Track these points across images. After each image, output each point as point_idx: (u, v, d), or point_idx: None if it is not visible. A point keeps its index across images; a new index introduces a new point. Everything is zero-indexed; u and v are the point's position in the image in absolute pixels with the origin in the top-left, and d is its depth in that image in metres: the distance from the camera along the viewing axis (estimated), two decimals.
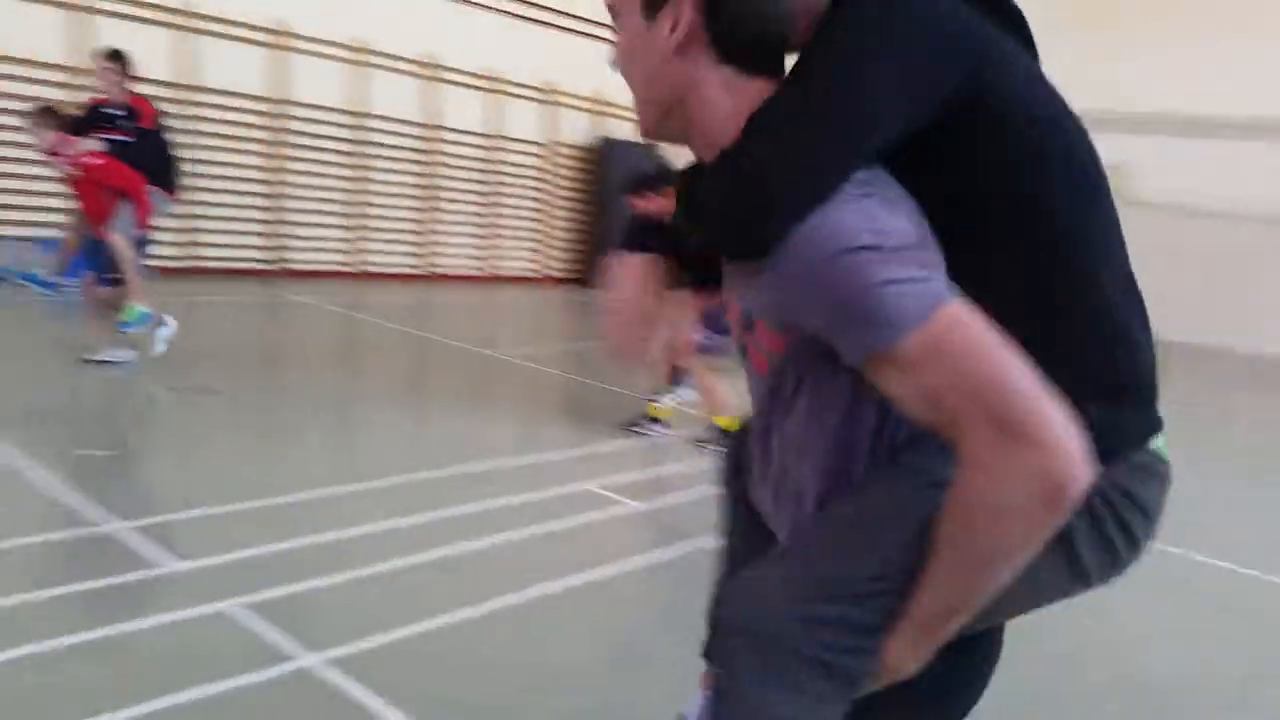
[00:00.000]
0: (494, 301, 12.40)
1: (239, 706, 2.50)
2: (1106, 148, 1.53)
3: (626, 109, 14.93)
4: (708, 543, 3.50)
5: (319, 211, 11.83)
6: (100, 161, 5.91)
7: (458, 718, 2.58)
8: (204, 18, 10.41)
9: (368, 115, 12.00)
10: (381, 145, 12.28)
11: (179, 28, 10.30)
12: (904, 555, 1.03)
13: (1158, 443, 1.17)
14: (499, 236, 13.97)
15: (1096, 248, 1.07)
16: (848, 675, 1.08)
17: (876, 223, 0.96)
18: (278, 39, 10.99)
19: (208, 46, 10.51)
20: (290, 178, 11.46)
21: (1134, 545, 1.15)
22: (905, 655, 1.09)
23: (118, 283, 6.12)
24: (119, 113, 6.04)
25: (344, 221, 12.13)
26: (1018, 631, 1.42)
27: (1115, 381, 1.11)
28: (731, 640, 1.09)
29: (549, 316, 12.31)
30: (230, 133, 10.85)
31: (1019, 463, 0.92)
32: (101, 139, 5.94)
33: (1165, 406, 1.26)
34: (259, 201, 11.28)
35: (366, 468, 4.70)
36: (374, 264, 12.52)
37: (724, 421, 5.11)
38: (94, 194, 6.03)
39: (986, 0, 1.08)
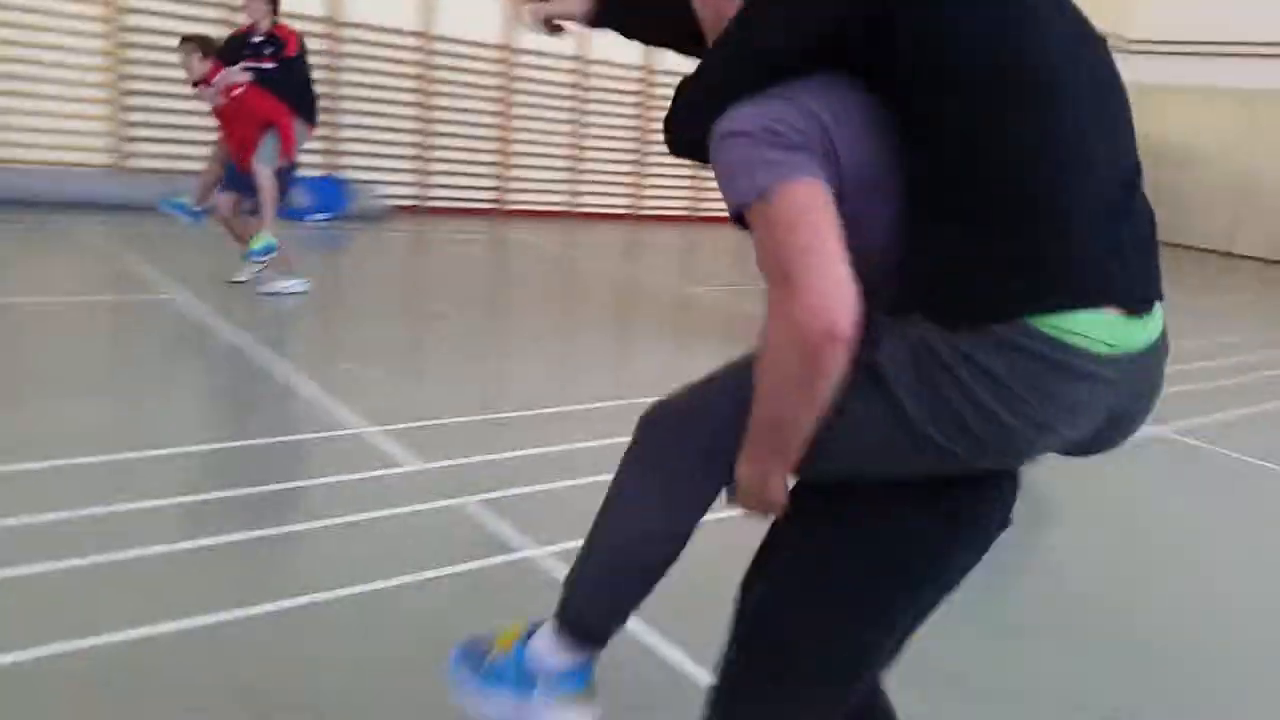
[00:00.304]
0: (700, 240, 12.58)
1: (470, 586, 2.83)
2: None
3: None
4: None
5: (540, 155, 12.38)
6: (247, 90, 5.99)
7: (667, 602, 2.79)
8: None
9: (589, 61, 12.36)
10: (602, 90, 12.64)
11: None
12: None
13: (1056, 322, 1.13)
14: (704, 178, 14.07)
15: (1028, 145, 1.15)
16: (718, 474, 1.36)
17: (763, 117, 1.17)
18: None
19: None
20: (515, 123, 12.04)
21: (988, 418, 1.16)
22: (743, 469, 1.31)
23: (254, 213, 6.25)
24: (265, 41, 6.11)
25: (562, 164, 12.62)
26: None
27: (1014, 255, 1.15)
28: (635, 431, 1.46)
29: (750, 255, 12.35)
30: (467, 80, 11.51)
31: (786, 309, 1.13)
32: (248, 68, 6.02)
33: None
34: (488, 145, 11.94)
35: (579, 390, 5.02)
36: (589, 205, 12.98)
37: None
38: (240, 123, 6.04)
39: None
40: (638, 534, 1.45)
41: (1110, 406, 1.23)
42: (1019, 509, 1.42)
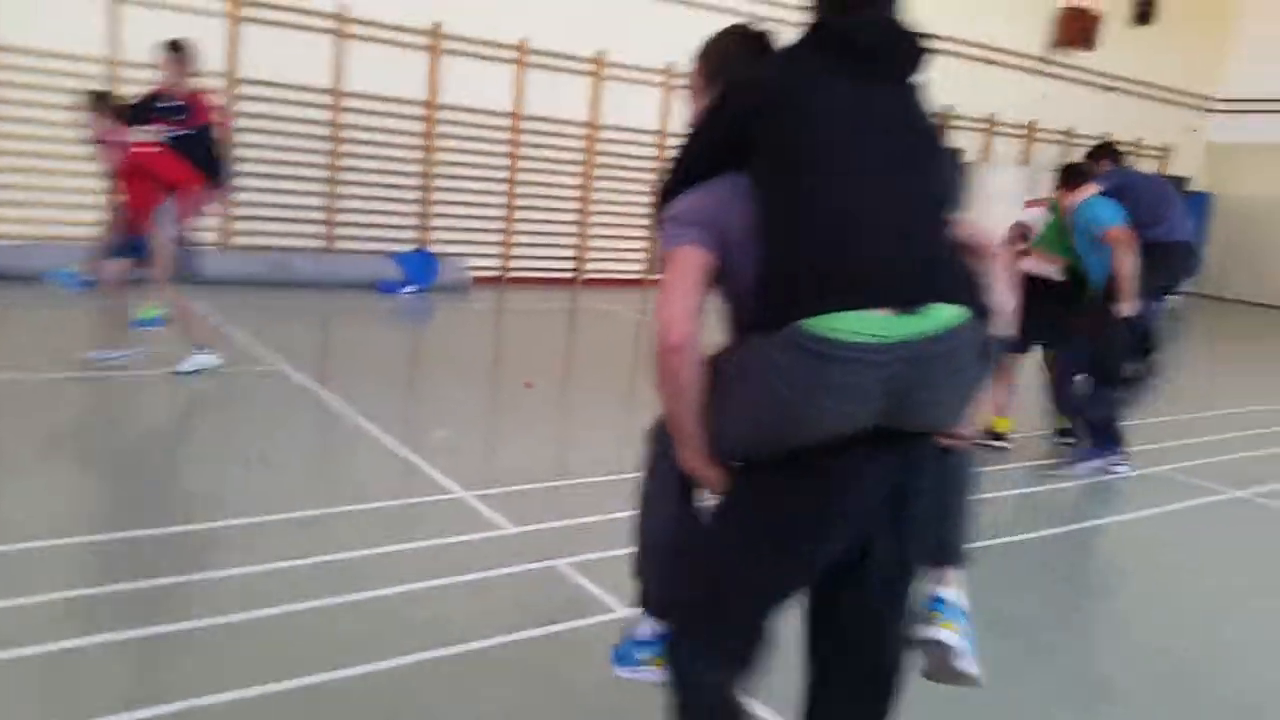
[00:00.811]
0: None
1: (568, 646, 2.94)
2: None
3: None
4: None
5: (619, 224, 12.71)
6: (152, 151, 5.72)
7: None
8: (538, 52, 11.58)
9: (666, 134, 12.73)
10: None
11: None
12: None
13: (820, 322, 1.58)
14: None
15: (819, 208, 1.67)
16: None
17: (683, 204, 1.81)
18: (599, 68, 11.99)
19: (538, 78, 11.67)
20: (595, 194, 12.41)
21: (782, 397, 1.63)
22: (679, 457, 1.87)
23: (143, 281, 5.96)
24: (175, 105, 5.84)
25: (642, 232, 12.93)
26: None
27: (801, 279, 1.63)
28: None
29: None
30: (549, 155, 11.96)
31: (653, 328, 1.74)
32: (155, 130, 5.76)
33: None
34: (569, 216, 12.32)
35: None
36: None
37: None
38: (140, 186, 5.78)
39: (832, 46, 1.75)
40: (659, 521, 2.04)
41: (884, 383, 1.61)
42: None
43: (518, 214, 11.87)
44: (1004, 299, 1.92)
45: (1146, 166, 17.67)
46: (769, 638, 1.83)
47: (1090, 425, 5.41)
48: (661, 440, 1.97)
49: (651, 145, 12.69)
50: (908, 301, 1.62)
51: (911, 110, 1.81)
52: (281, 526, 3.74)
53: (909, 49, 1.82)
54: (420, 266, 10.71)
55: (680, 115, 12.28)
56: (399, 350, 8.16)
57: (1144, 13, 16.67)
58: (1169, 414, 6.82)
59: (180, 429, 5.45)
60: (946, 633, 1.96)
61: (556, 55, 11.69)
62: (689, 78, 2.05)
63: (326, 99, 10.50)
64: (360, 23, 10.53)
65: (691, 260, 1.75)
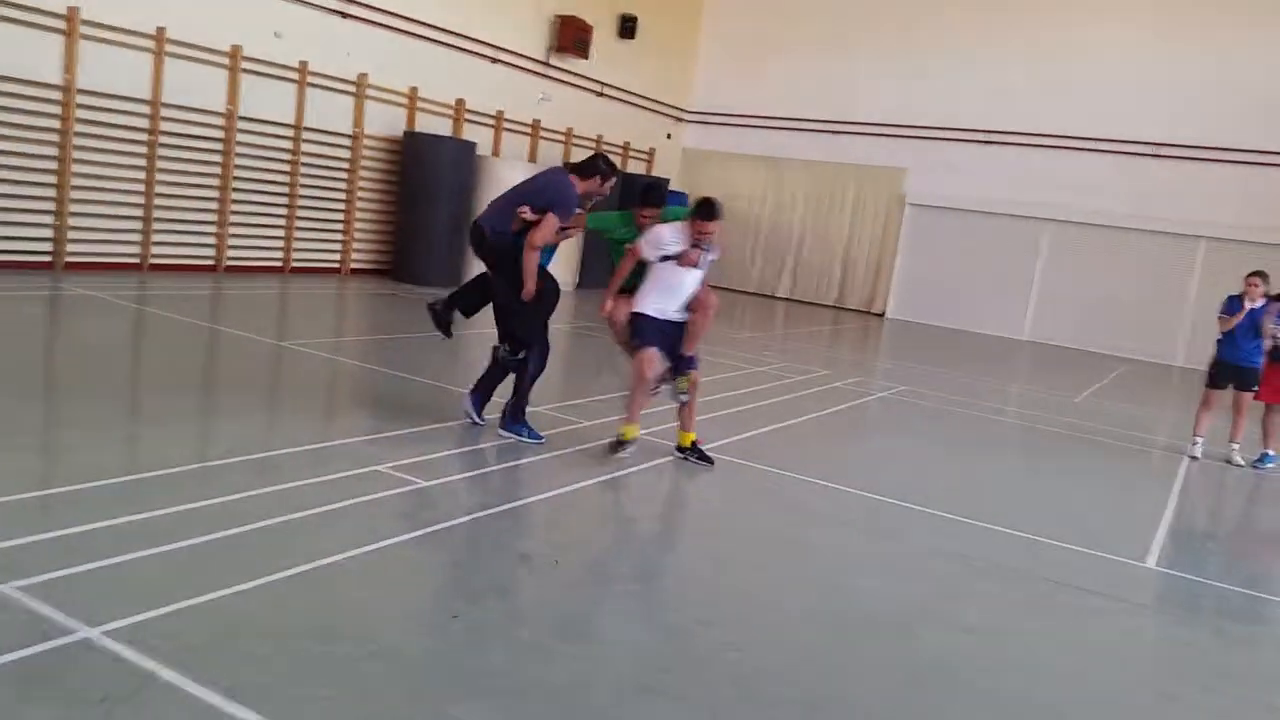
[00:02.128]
0: (294, 293, 12.32)
1: (23, 675, 2.74)
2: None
3: (435, 104, 15.04)
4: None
5: (110, 203, 11.40)
6: None
7: (226, 672, 2.90)
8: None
9: (171, 106, 11.64)
10: (184, 136, 11.95)
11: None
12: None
13: None
14: (301, 228, 13.83)
15: None
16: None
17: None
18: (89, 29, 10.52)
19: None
20: (81, 168, 10.98)
21: None
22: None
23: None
24: None
25: (137, 213, 11.72)
26: None
27: None
28: None
29: (351, 308, 12.37)
30: (21, 121, 10.30)
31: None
32: None
33: None
34: (48, 193, 10.76)
35: (164, 456, 4.85)
36: (164, 255, 12.16)
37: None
38: None
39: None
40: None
41: None
42: None
43: None
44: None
45: (635, 168, 20.05)
46: None
47: None
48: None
49: (143, 116, 11.53)
50: None
51: None
52: None
53: None
54: None
55: (185, 85, 11.27)
56: None
57: (627, 28, 18.81)
58: None
59: None
60: None
61: (16, 6, 10.11)
62: None
63: None
64: None
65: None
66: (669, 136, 21.40)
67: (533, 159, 16.95)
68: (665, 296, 5.87)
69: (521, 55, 16.76)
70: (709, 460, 6.13)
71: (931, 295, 19.23)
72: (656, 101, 20.60)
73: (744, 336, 13.91)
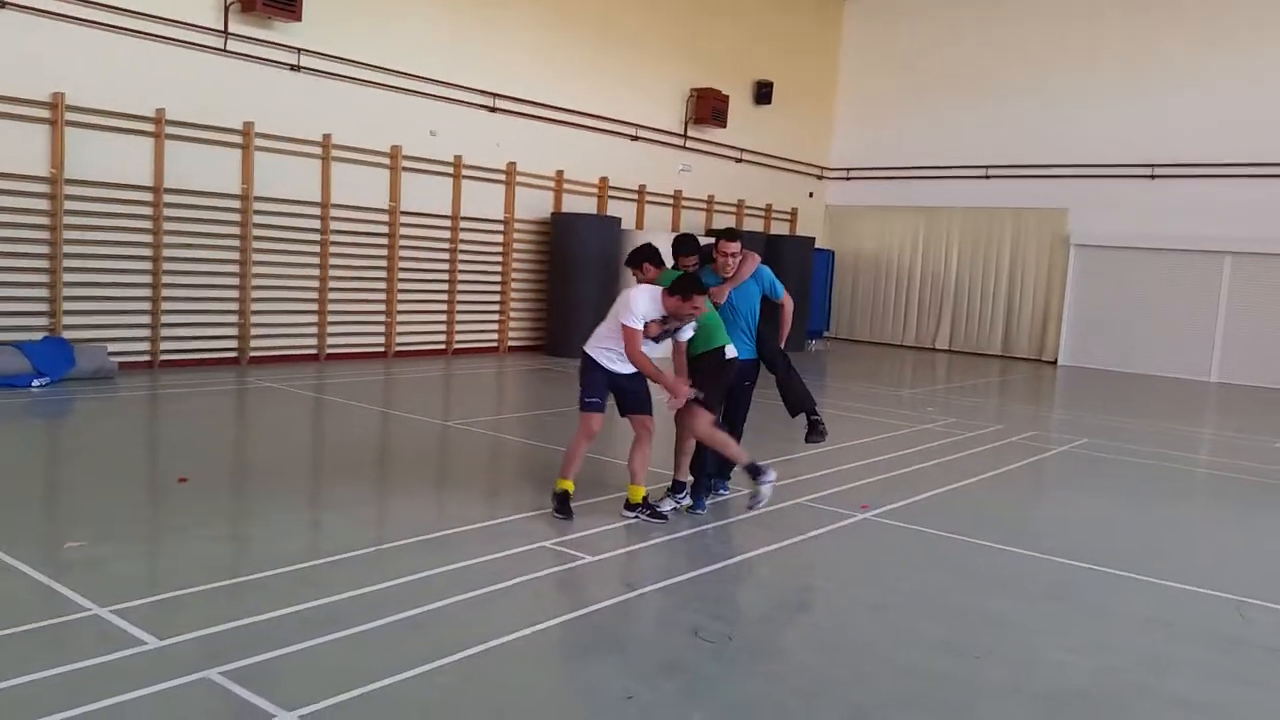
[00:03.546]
0: (457, 373, 12.78)
1: None
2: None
3: (580, 184, 15.53)
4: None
5: (288, 299, 12.24)
6: None
7: None
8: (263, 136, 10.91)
9: (339, 205, 12.50)
10: (352, 233, 12.78)
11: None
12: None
13: None
14: (461, 310, 14.42)
15: None
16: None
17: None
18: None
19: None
20: (260, 269, 11.87)
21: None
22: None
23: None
24: None
25: (312, 307, 12.53)
26: None
27: None
28: None
29: (510, 384, 12.71)
30: (204, 229, 11.28)
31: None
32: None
33: None
34: (227, 294, 11.66)
35: (345, 540, 5.04)
36: (338, 345, 12.90)
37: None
38: None
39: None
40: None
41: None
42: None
43: (166, 292, 11.06)
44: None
45: (779, 228, 20.01)
46: None
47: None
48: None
49: (315, 218, 12.40)
50: None
51: None
52: None
53: None
54: (52, 356, 9.65)
55: (347, 186, 12.10)
56: (26, 453, 7.29)
57: (763, 94, 18.98)
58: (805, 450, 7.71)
59: None
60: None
61: (197, 126, 11.14)
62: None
63: None
64: None
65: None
66: (810, 195, 21.28)
67: (675, 228, 17.17)
68: (617, 353, 5.67)
69: (660, 130, 17.14)
70: (662, 517, 5.81)
71: (1106, 339, 18.09)
72: (795, 161, 20.58)
73: (906, 393, 13.45)
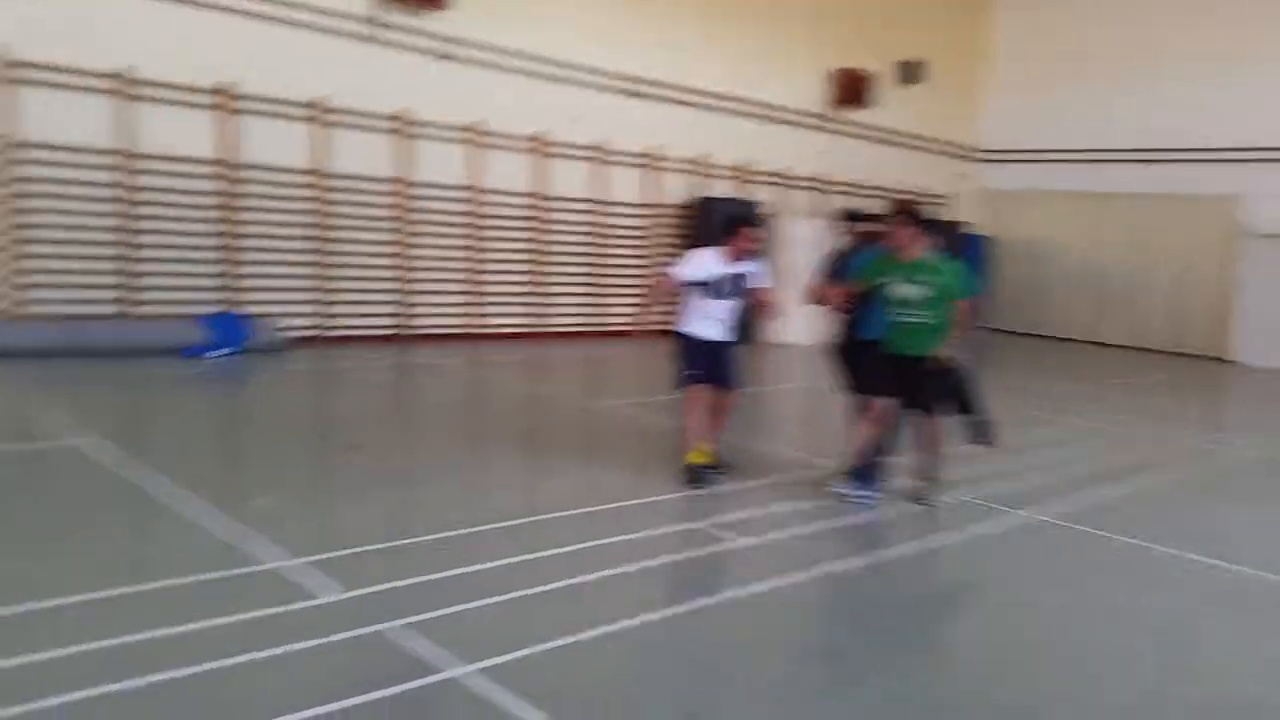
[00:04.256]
0: (601, 355, 12.96)
1: (396, 710, 2.97)
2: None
3: (721, 168, 15.41)
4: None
5: (440, 279, 12.71)
6: None
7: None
8: (336, 110, 11.46)
9: (488, 190, 12.89)
10: (499, 217, 13.16)
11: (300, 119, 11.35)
12: None
13: None
14: (605, 293, 14.62)
15: None
16: None
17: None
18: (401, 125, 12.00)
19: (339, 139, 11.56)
20: (415, 251, 12.36)
21: None
22: None
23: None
24: None
25: (464, 287, 12.96)
26: None
27: None
28: None
29: (654, 368, 12.76)
30: (363, 212, 11.84)
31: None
32: None
33: None
34: (387, 272, 12.20)
35: (491, 511, 5.19)
36: (488, 326, 13.29)
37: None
38: None
39: None
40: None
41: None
42: None
43: (333, 271, 11.65)
44: None
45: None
46: None
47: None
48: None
49: (464, 201, 12.80)
50: None
51: None
52: (82, 608, 3.57)
53: None
54: (228, 328, 10.31)
55: (494, 171, 12.45)
56: (212, 417, 7.83)
57: (910, 74, 18.35)
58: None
59: None
60: None
61: (355, 113, 11.67)
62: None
63: (113, 160, 10.03)
64: (148, 84, 10.18)
65: None
66: (963, 176, 20.44)
67: (814, 213, 16.87)
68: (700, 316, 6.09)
69: (802, 112, 16.85)
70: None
71: None
72: (944, 143, 19.83)
73: (1076, 388, 12.79)
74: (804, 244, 13.97)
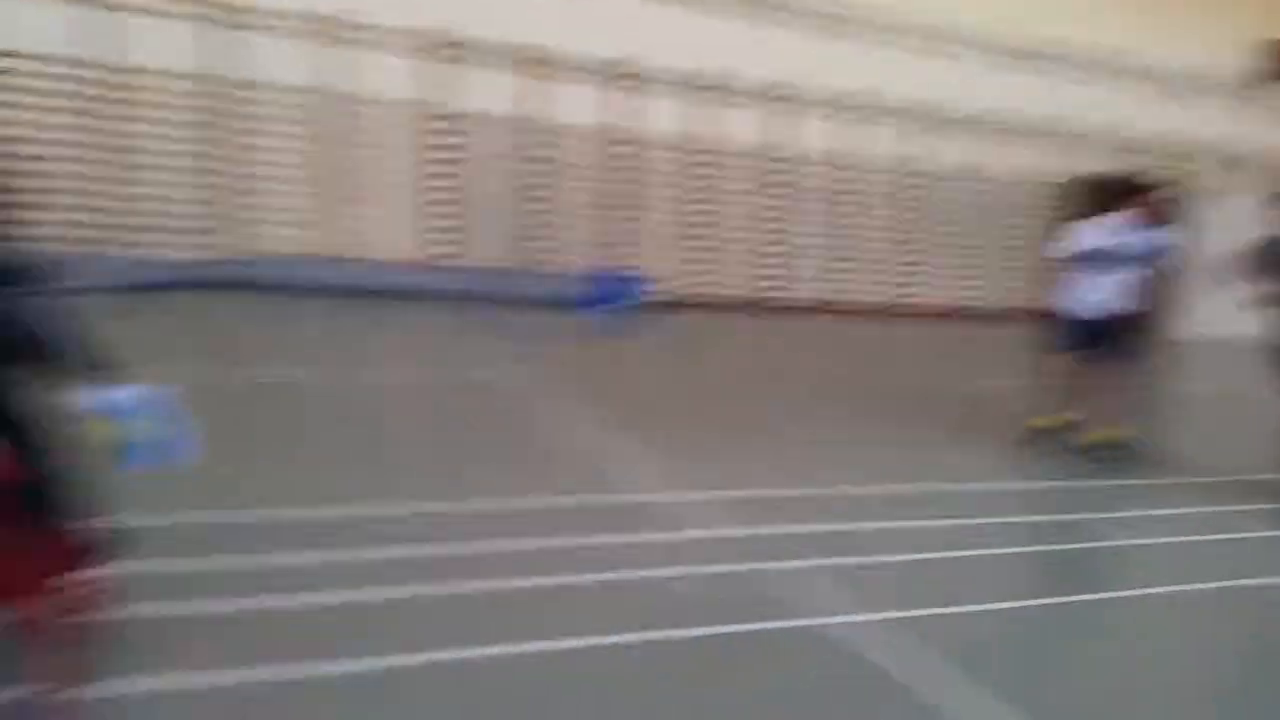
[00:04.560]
0: (973, 336, 12.27)
1: (755, 645, 2.97)
2: None
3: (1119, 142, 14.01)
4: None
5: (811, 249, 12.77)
6: None
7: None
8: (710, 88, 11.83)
9: (844, 166, 12.76)
10: (863, 192, 12.96)
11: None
12: None
13: None
14: (976, 272, 13.89)
15: None
16: None
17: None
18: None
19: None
20: (776, 223, 12.55)
21: None
22: None
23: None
24: None
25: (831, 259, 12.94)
26: None
27: None
28: None
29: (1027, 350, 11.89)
30: (732, 185, 12.20)
31: None
32: None
33: None
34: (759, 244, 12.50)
35: (919, 475, 5.11)
36: (851, 300, 13.14)
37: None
38: None
39: None
40: None
41: None
42: None
43: (702, 238, 12.13)
44: None
45: None
46: None
47: None
48: None
49: (835, 173, 12.69)
50: None
51: None
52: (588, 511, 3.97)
53: None
54: (617, 286, 11.19)
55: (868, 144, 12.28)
56: (645, 367, 8.54)
57: None
58: None
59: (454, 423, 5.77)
60: None
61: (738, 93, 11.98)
62: None
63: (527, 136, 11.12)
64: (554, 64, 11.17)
65: None
66: None
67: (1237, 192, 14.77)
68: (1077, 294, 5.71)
69: (1219, 84, 14.80)
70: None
71: None
72: None
73: None
74: (1223, 226, 12.34)
